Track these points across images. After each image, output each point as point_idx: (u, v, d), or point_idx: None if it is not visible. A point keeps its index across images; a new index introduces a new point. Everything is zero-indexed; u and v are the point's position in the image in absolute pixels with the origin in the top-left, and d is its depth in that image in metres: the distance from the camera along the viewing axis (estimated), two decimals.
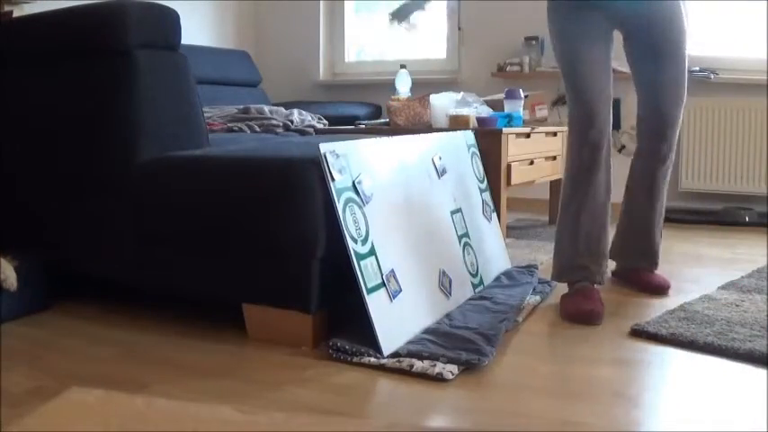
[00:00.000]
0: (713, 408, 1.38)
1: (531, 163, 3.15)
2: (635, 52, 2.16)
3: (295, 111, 3.58)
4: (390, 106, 3.24)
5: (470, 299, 2.04)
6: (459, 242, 2.12)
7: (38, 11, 2.22)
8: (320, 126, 3.60)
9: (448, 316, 1.86)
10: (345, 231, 1.62)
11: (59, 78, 2.05)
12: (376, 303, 1.64)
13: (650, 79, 2.14)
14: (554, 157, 3.40)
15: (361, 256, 1.64)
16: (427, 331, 1.74)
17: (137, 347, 1.74)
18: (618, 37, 2.17)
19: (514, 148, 2.97)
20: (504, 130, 2.90)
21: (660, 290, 2.22)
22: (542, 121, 3.39)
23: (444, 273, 1.96)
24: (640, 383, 1.52)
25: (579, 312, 1.94)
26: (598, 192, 2.09)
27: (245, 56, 4.45)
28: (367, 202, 1.74)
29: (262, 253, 1.75)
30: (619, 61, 2.29)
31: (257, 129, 3.28)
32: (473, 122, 2.97)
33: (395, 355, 1.61)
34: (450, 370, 1.52)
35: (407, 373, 1.54)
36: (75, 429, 0.99)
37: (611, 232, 2.20)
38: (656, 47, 2.08)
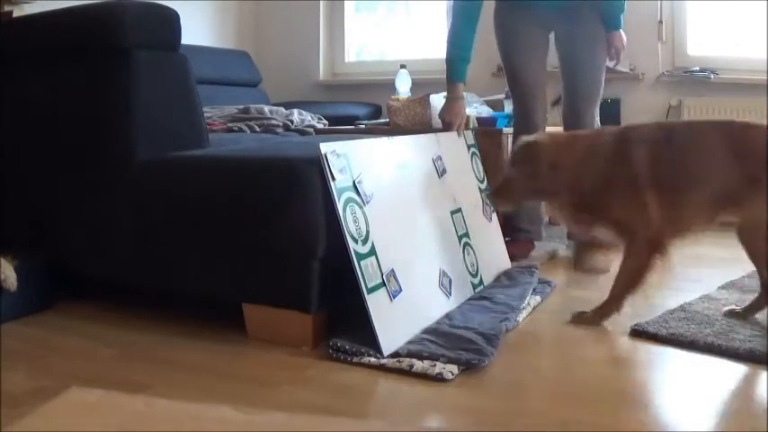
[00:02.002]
0: (713, 408, 1.38)
1: None
2: (561, 52, 2.57)
3: (295, 111, 3.58)
4: (390, 106, 3.23)
5: (470, 299, 2.04)
6: (459, 242, 2.12)
7: (38, 11, 2.23)
8: (320, 126, 3.60)
9: (448, 316, 1.86)
10: (346, 231, 1.62)
11: (59, 78, 2.05)
12: (376, 303, 1.63)
13: (570, 77, 2.56)
14: None
15: (361, 256, 1.64)
16: (427, 331, 1.74)
17: (137, 347, 1.74)
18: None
19: None
20: (504, 130, 2.90)
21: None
22: None
23: (444, 273, 1.96)
24: (640, 383, 1.52)
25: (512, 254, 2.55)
26: None
27: (245, 56, 4.44)
28: (367, 202, 1.73)
29: (262, 253, 1.75)
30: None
31: (257, 129, 3.27)
32: (473, 122, 2.97)
33: (395, 355, 1.61)
34: (450, 370, 1.52)
35: (408, 373, 1.53)
36: (75, 429, 0.99)
37: None
38: (577, 47, 2.51)
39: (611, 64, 2.60)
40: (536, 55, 2.59)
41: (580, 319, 1.91)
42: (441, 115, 2.53)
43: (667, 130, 1.91)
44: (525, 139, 2.00)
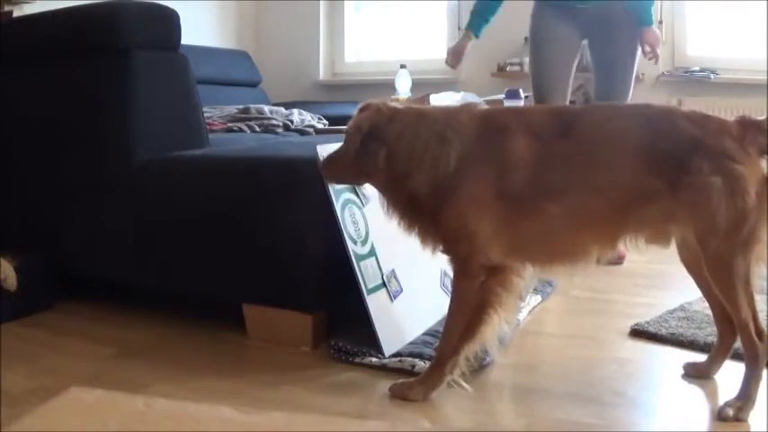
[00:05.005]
0: (713, 408, 1.38)
1: None
2: (595, 54, 2.62)
3: (295, 111, 3.58)
4: None
5: None
6: None
7: (38, 11, 2.23)
8: (320, 126, 3.59)
9: None
10: (344, 233, 1.62)
11: (59, 78, 2.05)
12: (376, 304, 1.63)
13: (605, 78, 2.59)
14: None
15: (360, 257, 1.64)
16: (430, 332, 1.74)
17: (137, 347, 1.74)
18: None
19: None
20: None
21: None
22: None
23: (446, 273, 1.95)
24: (640, 383, 1.52)
25: None
26: None
27: (245, 56, 4.44)
28: (366, 203, 1.73)
29: (262, 253, 1.75)
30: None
31: (257, 129, 3.27)
32: None
33: (397, 355, 1.60)
34: None
35: (409, 374, 1.53)
36: (75, 429, 0.99)
37: None
38: (611, 49, 2.55)
39: (652, 61, 2.61)
40: (565, 54, 2.62)
41: (401, 391, 1.41)
42: (447, 51, 2.93)
43: (567, 118, 1.41)
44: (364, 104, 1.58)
